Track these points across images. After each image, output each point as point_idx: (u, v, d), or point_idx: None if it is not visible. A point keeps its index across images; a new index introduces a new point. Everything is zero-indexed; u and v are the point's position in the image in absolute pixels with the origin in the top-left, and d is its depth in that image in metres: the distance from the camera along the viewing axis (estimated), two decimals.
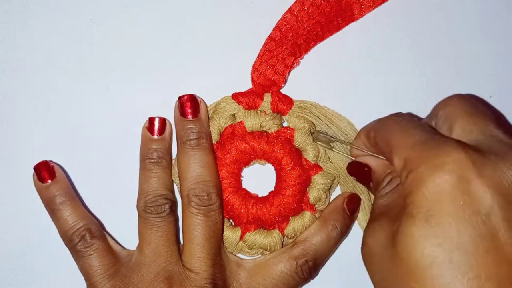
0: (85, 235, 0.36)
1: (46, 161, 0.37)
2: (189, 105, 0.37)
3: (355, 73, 0.41)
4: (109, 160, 0.40)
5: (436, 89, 0.41)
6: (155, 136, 0.37)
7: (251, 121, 0.38)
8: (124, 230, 0.39)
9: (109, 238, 0.37)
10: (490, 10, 0.42)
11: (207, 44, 0.40)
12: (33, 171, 0.37)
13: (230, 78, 0.40)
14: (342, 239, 0.38)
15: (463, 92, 0.41)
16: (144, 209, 0.36)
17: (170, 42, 0.40)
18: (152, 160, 0.37)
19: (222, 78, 0.40)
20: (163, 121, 0.38)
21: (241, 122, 0.38)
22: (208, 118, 0.38)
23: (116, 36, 0.40)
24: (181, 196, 0.36)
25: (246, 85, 0.39)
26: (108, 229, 0.39)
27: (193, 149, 0.36)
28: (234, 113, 0.39)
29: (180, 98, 0.37)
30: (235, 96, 0.39)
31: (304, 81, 0.40)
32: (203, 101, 0.38)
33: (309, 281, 0.37)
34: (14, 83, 0.40)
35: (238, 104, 0.38)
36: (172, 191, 0.37)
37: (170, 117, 0.38)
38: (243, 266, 0.37)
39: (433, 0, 0.41)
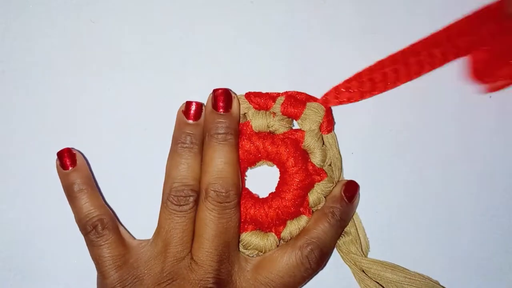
0: (97, 226, 0.36)
1: (69, 148, 0.37)
2: (222, 99, 0.37)
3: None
4: (109, 161, 0.40)
5: (436, 89, 0.41)
6: (190, 121, 0.37)
7: (258, 122, 0.38)
8: (138, 218, 0.39)
9: (121, 229, 0.37)
10: None
11: (207, 44, 0.40)
12: (56, 156, 0.37)
13: (230, 78, 0.40)
14: (343, 226, 0.38)
15: (464, 92, 0.41)
16: (168, 198, 0.36)
17: (170, 42, 0.40)
18: (185, 145, 0.36)
19: (222, 78, 0.40)
20: (200, 106, 0.37)
21: (249, 122, 0.38)
22: (240, 115, 0.38)
23: (116, 36, 0.40)
24: (200, 188, 0.36)
25: (245, 85, 0.39)
26: (122, 217, 0.39)
27: (219, 143, 0.36)
28: (245, 113, 0.39)
29: (214, 91, 0.37)
30: (248, 95, 0.39)
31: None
32: (237, 97, 0.38)
33: (317, 272, 0.37)
34: (14, 83, 0.40)
35: (250, 104, 0.38)
36: (200, 181, 0.37)
37: (170, 118, 0.38)
38: (250, 261, 0.37)
39: (433, 0, 0.41)
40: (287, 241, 0.38)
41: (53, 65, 0.40)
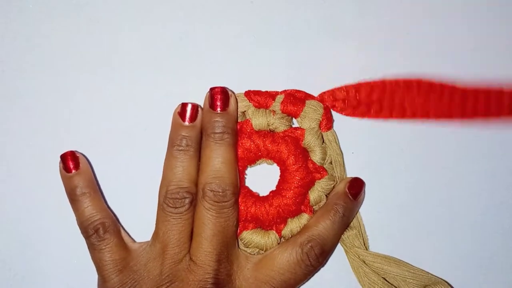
0: (99, 229, 0.36)
1: (72, 151, 0.37)
2: (219, 97, 0.37)
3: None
4: (108, 160, 0.40)
5: None
6: (186, 123, 0.37)
7: (258, 120, 0.38)
8: (138, 219, 0.39)
9: (122, 232, 0.37)
10: (491, 9, 0.42)
11: (207, 44, 0.40)
12: (59, 159, 0.37)
13: (230, 77, 0.40)
14: (347, 223, 0.38)
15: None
16: (164, 200, 0.36)
17: (170, 42, 0.40)
18: (180, 148, 0.36)
19: (222, 78, 0.40)
20: (195, 108, 0.37)
21: (249, 120, 0.38)
22: (237, 113, 0.38)
23: (116, 36, 0.40)
24: (197, 188, 0.36)
25: (245, 85, 0.39)
26: (124, 219, 0.39)
27: (216, 143, 0.36)
28: (245, 111, 0.39)
29: (211, 89, 0.37)
30: (247, 94, 0.39)
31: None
32: (235, 95, 0.38)
33: (318, 269, 0.37)
34: (14, 83, 0.40)
35: (249, 102, 0.38)
36: (195, 183, 0.37)
37: (170, 118, 0.38)
38: (250, 260, 0.37)
39: (433, 1, 0.41)
40: (288, 239, 0.38)
41: (53, 65, 0.40)
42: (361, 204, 0.39)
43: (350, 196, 0.38)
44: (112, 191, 0.39)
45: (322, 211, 0.38)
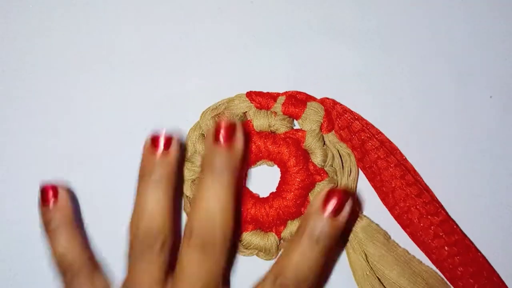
0: (66, 271, 0.34)
1: (52, 184, 0.35)
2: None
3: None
4: (108, 160, 0.40)
5: (437, 89, 0.41)
6: (158, 153, 0.32)
7: (259, 121, 0.38)
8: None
9: (96, 274, 0.34)
10: (491, 10, 0.42)
11: (207, 44, 0.40)
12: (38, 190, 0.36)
13: (230, 78, 0.40)
14: (327, 247, 0.31)
15: (464, 92, 0.41)
16: (134, 239, 0.32)
17: (170, 42, 0.40)
18: (150, 180, 0.32)
19: (222, 78, 0.40)
20: (168, 138, 0.33)
21: (249, 121, 0.38)
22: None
23: (116, 36, 0.40)
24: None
25: (245, 85, 0.39)
26: (124, 219, 0.37)
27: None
28: (246, 112, 0.39)
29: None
30: (249, 94, 0.39)
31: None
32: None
33: None
34: (14, 83, 0.40)
35: (251, 103, 0.39)
36: (168, 220, 0.32)
37: (170, 118, 0.38)
38: None
39: (433, 0, 0.41)
40: (287, 241, 0.38)
41: (53, 65, 0.40)
42: (343, 225, 0.31)
43: (327, 214, 0.30)
44: (112, 192, 0.39)
45: (294, 236, 0.31)
